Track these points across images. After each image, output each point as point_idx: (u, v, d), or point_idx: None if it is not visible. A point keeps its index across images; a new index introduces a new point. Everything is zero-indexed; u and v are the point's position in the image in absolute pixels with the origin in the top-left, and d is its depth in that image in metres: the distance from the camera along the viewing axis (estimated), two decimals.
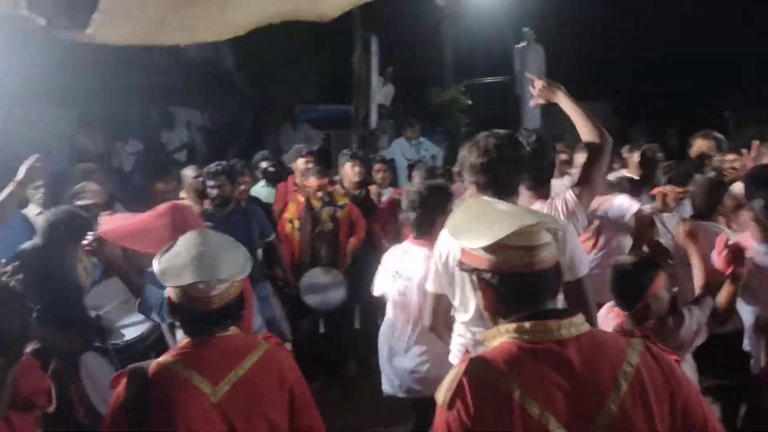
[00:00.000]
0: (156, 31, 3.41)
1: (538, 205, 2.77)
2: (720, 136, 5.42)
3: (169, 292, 2.10)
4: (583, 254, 2.64)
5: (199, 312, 2.06)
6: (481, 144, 2.55)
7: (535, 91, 2.95)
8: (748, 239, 3.01)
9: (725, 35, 13.49)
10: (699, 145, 5.31)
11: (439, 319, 2.90)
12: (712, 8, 13.45)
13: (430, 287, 2.87)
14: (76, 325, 3.52)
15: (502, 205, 1.68)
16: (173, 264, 2.05)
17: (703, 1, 13.49)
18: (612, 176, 5.51)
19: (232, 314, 2.13)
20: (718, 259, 2.79)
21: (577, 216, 2.68)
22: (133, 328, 3.86)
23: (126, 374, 2.05)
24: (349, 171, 5.82)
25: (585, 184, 2.73)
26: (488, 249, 1.52)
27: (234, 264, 2.08)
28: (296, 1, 3.64)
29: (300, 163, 5.88)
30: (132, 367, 2.07)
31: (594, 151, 2.74)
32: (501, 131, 2.64)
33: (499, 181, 2.51)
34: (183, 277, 2.00)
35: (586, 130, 2.76)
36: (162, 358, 2.07)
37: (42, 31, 3.20)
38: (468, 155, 2.58)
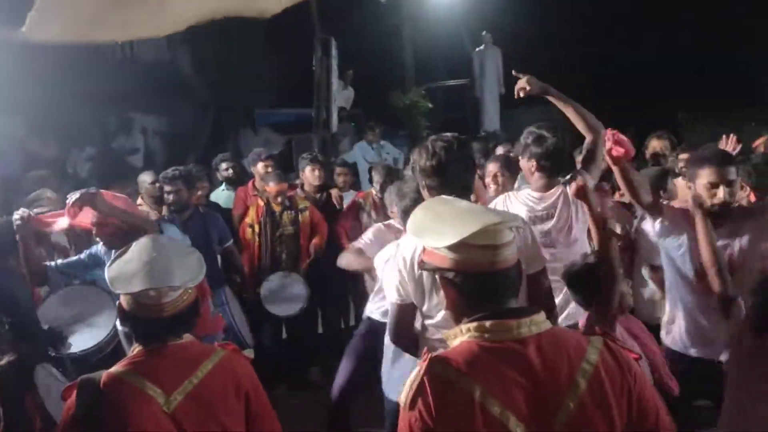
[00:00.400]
0: (90, 28, 3.34)
1: (553, 191, 3.37)
2: (672, 137, 5.57)
3: (121, 300, 2.05)
4: (541, 248, 2.77)
5: (151, 320, 2.02)
6: (429, 147, 2.59)
7: (522, 82, 3.39)
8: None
9: (680, 38, 13.87)
10: (654, 145, 5.47)
11: (402, 331, 2.71)
12: (667, 12, 13.82)
13: (393, 297, 2.68)
14: (28, 336, 3.41)
15: (462, 204, 1.69)
16: (124, 271, 2.01)
17: (657, 5, 13.84)
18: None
19: (186, 322, 2.09)
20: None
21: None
22: (87, 339, 3.78)
23: (77, 385, 1.99)
24: (309, 175, 5.78)
25: (592, 162, 3.35)
26: (451, 248, 1.53)
27: (187, 270, 2.04)
28: None
29: (260, 167, 5.84)
30: (83, 378, 2.01)
31: (596, 133, 3.34)
32: (448, 134, 2.72)
33: (450, 182, 2.54)
34: (134, 284, 1.96)
35: (582, 118, 3.38)
36: (114, 368, 2.02)
37: None
38: (418, 159, 2.61)
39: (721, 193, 2.93)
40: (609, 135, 2.99)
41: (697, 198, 2.96)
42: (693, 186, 3.05)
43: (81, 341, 3.76)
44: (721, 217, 3.00)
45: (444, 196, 2.33)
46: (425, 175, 2.59)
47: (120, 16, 3.25)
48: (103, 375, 1.98)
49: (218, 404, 2.01)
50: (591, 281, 2.70)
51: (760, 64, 12.48)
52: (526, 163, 3.55)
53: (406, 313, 2.67)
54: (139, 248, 2.08)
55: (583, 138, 3.54)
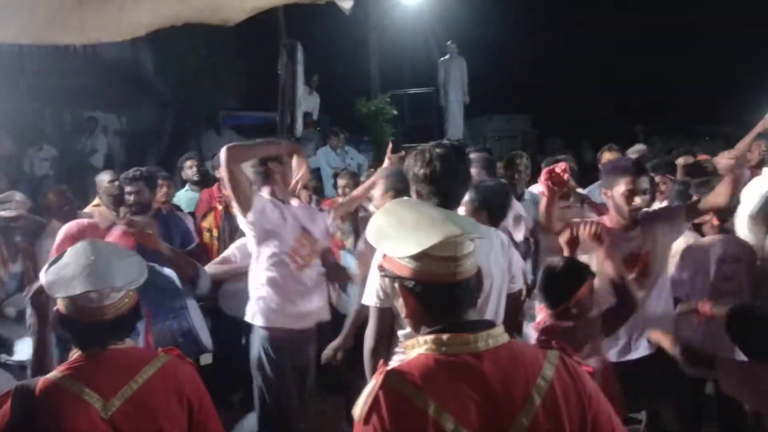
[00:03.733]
0: (49, 29, 3.25)
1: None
2: (621, 150, 5.91)
3: (59, 305, 2.00)
4: (521, 266, 2.77)
5: (91, 324, 1.97)
6: (426, 154, 2.48)
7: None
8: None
9: (638, 54, 14.25)
10: (606, 157, 5.70)
11: (382, 339, 2.52)
12: (626, 28, 14.17)
13: (372, 300, 2.53)
14: None
15: (428, 210, 1.63)
16: (62, 275, 1.95)
17: (618, 21, 14.18)
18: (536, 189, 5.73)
19: (127, 325, 2.05)
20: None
21: None
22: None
23: (11, 392, 1.93)
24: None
25: None
26: (412, 257, 1.50)
27: (128, 272, 2.00)
28: (198, 4, 3.58)
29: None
30: (18, 385, 1.96)
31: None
32: (447, 142, 2.64)
33: (442, 192, 2.45)
34: (73, 287, 1.91)
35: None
36: (51, 374, 1.96)
37: None
38: (413, 164, 2.51)
39: (638, 200, 3.15)
40: (546, 174, 3.06)
41: (593, 232, 3.00)
42: (610, 193, 3.23)
43: (29, 348, 3.67)
44: (633, 222, 3.22)
45: (410, 199, 2.35)
46: (417, 181, 2.49)
47: (78, 20, 3.17)
48: (40, 381, 1.93)
49: (159, 410, 1.96)
50: (570, 283, 2.72)
51: (715, 82, 12.90)
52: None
53: (386, 318, 2.52)
54: (76, 252, 2.02)
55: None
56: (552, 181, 3.02)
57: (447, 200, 2.43)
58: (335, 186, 6.09)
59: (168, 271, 3.30)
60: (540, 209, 3.24)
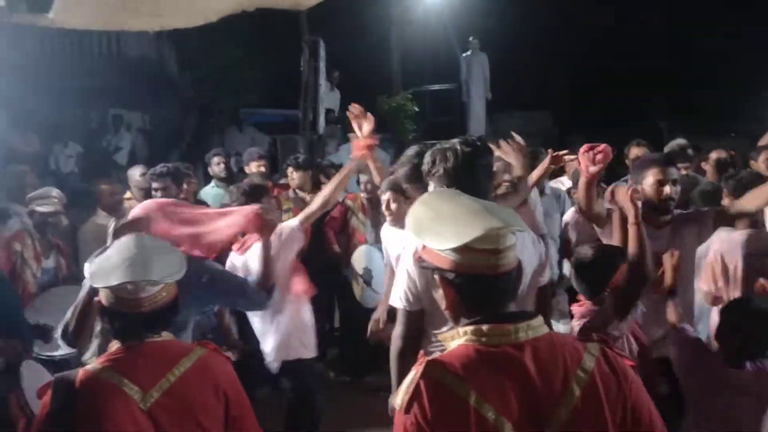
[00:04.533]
0: (119, 15, 3.31)
1: None
2: (649, 145, 5.78)
3: (100, 295, 2.05)
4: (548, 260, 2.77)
5: (129, 315, 2.00)
6: (453, 150, 2.43)
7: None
8: None
9: (662, 48, 14.08)
10: (635, 152, 5.61)
11: (410, 343, 2.47)
12: (650, 24, 14.01)
13: (400, 302, 2.47)
14: (12, 334, 3.37)
15: (465, 201, 1.62)
16: (103, 266, 2.01)
17: (641, 17, 14.02)
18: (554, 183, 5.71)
19: (164, 319, 2.08)
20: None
21: None
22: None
23: (52, 383, 1.97)
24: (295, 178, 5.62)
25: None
26: (453, 249, 1.50)
27: (166, 266, 2.03)
28: None
29: (252, 167, 5.78)
30: (58, 376, 2.00)
31: None
32: (471, 138, 2.60)
33: (471, 187, 2.32)
34: (112, 278, 1.95)
35: None
36: (90, 366, 2.00)
37: (3, 14, 3.06)
38: (441, 160, 2.44)
39: (667, 189, 3.13)
40: (585, 148, 3.03)
41: (633, 196, 2.91)
42: (640, 187, 3.18)
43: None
44: (665, 214, 3.19)
45: (447, 190, 2.30)
46: (446, 176, 2.42)
47: (151, 5, 3.22)
48: (80, 372, 1.96)
49: (196, 403, 1.99)
50: (603, 270, 2.69)
51: (742, 77, 12.69)
52: None
53: (415, 321, 2.47)
54: (120, 245, 2.08)
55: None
56: (594, 158, 2.96)
57: (476, 196, 2.37)
58: (358, 182, 6.08)
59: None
60: (579, 192, 3.21)
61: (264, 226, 2.88)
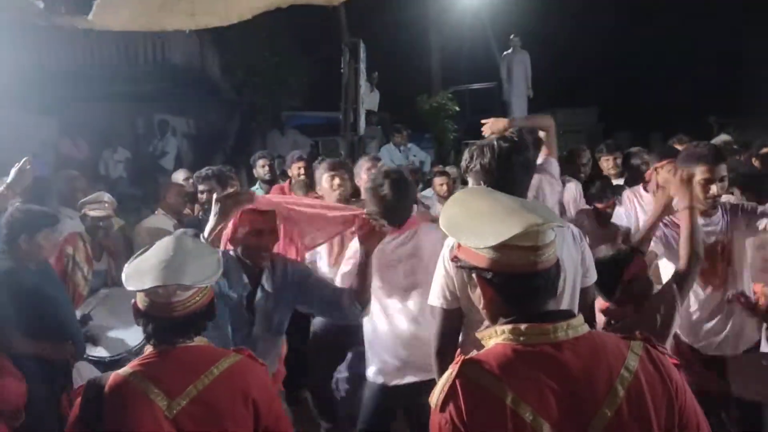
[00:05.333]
0: (156, 16, 3.37)
1: None
2: (686, 139, 5.66)
3: (136, 298, 2.03)
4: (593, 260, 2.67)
5: (161, 319, 1.98)
6: (494, 146, 2.42)
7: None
8: None
9: (712, 42, 13.69)
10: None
11: (449, 339, 2.44)
12: (695, 17, 13.65)
13: (437, 301, 2.44)
14: (67, 334, 3.45)
15: (500, 198, 1.59)
16: (139, 268, 1.98)
17: (686, 10, 13.67)
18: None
19: (197, 324, 2.03)
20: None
21: None
22: (122, 342, 3.80)
23: (84, 386, 1.97)
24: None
25: None
26: (491, 248, 1.47)
27: (201, 271, 1.98)
28: None
29: (294, 169, 5.83)
30: (90, 380, 2.00)
31: None
32: (510, 134, 2.58)
33: (511, 182, 2.37)
34: (145, 281, 1.93)
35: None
36: (123, 369, 1.98)
37: (40, 16, 3.15)
38: (479, 156, 2.43)
39: (714, 188, 3.04)
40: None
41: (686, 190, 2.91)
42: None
43: (115, 344, 3.79)
44: (708, 214, 3.13)
45: (479, 187, 2.28)
46: (483, 172, 2.41)
47: (187, 5, 3.27)
48: (111, 376, 1.95)
49: (224, 412, 1.94)
50: (609, 271, 2.64)
51: None
52: None
53: (453, 320, 2.42)
54: (159, 247, 2.05)
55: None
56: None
57: (516, 192, 2.22)
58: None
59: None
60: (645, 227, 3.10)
61: (370, 234, 2.64)
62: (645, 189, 4.29)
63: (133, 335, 3.76)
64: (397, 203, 3.05)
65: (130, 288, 1.97)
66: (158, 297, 1.96)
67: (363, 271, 2.71)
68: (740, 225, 3.16)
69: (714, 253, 3.11)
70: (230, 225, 2.67)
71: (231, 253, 2.72)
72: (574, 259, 2.55)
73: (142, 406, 1.88)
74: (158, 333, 1.99)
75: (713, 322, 3.14)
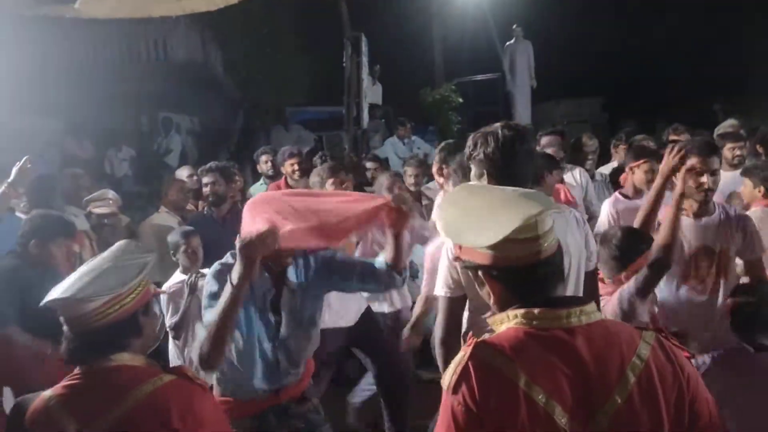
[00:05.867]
0: (142, 2, 3.34)
1: None
2: (683, 128, 5.77)
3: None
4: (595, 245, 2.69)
5: (72, 337, 1.81)
6: (494, 134, 2.39)
7: None
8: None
9: (712, 29, 13.61)
10: (673, 138, 5.58)
11: (453, 328, 2.48)
12: (699, 5, 13.56)
13: (441, 290, 2.48)
14: None
15: (492, 191, 1.59)
16: (69, 279, 1.85)
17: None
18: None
19: (114, 339, 1.83)
20: None
21: None
22: None
23: (12, 409, 1.85)
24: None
25: None
26: (491, 246, 1.47)
27: (107, 281, 1.81)
28: None
29: (287, 166, 5.81)
30: (18, 401, 1.87)
31: None
32: (513, 123, 2.56)
33: (505, 173, 2.35)
34: (51, 293, 1.80)
35: None
36: (49, 391, 1.83)
37: (27, 6, 3.13)
38: (483, 145, 2.40)
39: (705, 179, 3.04)
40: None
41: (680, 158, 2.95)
42: (680, 173, 3.08)
43: None
44: (701, 204, 3.12)
45: (470, 184, 2.28)
46: (487, 161, 2.39)
47: None
48: (36, 400, 1.81)
49: None
50: (627, 250, 2.69)
51: None
52: None
53: (456, 306, 2.47)
54: (103, 255, 1.92)
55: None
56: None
57: (511, 182, 2.24)
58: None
59: None
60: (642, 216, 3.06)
61: (398, 219, 2.47)
62: (621, 194, 4.17)
63: None
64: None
65: (43, 302, 1.82)
66: (63, 311, 1.82)
67: (398, 246, 2.54)
68: (735, 235, 3.16)
69: (702, 260, 3.13)
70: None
71: None
72: (578, 243, 2.56)
73: None
74: (73, 352, 1.82)
75: (703, 328, 3.10)
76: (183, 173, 5.40)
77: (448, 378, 1.47)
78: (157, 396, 1.77)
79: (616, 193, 4.11)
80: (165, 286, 3.73)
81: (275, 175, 6.15)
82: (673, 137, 5.56)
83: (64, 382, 1.83)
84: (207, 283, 2.49)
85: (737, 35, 13.45)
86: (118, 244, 1.96)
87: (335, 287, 2.77)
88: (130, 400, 1.74)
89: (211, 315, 2.31)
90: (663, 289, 3.13)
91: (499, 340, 1.48)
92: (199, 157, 10.75)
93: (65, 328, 1.83)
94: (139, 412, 1.74)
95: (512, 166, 2.37)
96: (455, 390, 1.45)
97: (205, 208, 4.86)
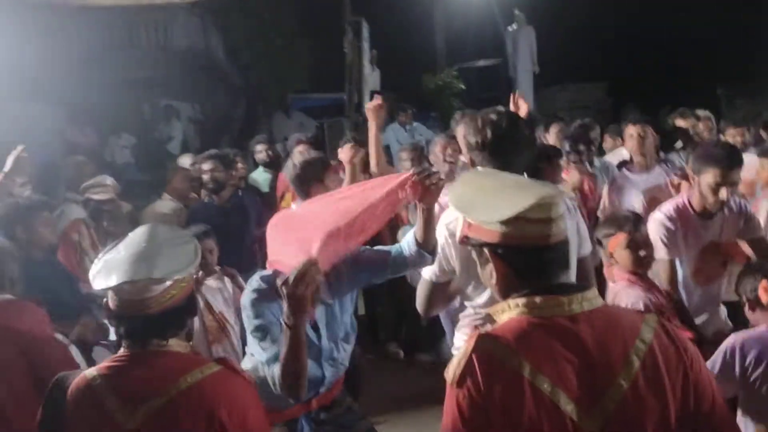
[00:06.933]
0: None
1: None
2: (690, 112, 5.71)
3: (108, 296, 1.85)
4: (587, 231, 2.69)
5: (133, 319, 1.79)
6: (478, 121, 2.39)
7: None
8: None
9: (716, 13, 13.48)
10: (680, 123, 5.63)
11: (433, 309, 2.65)
12: None
13: (428, 274, 2.53)
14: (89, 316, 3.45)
15: (507, 176, 1.61)
16: (107, 263, 1.81)
17: None
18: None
19: (174, 322, 1.84)
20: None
21: None
22: None
23: (52, 385, 1.83)
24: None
25: None
26: (504, 222, 1.46)
27: (174, 262, 1.79)
28: None
29: (295, 153, 5.81)
30: (58, 377, 1.85)
31: None
32: (501, 108, 2.54)
33: (497, 159, 2.34)
34: (111, 277, 1.76)
35: None
36: (92, 369, 1.83)
37: None
38: (466, 131, 2.42)
39: (724, 192, 2.98)
40: None
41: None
42: (697, 179, 3.07)
43: None
44: (711, 216, 3.11)
45: (485, 169, 2.29)
46: (471, 148, 2.41)
47: None
48: (78, 378, 1.81)
49: (183, 430, 1.74)
50: (603, 232, 2.77)
51: None
52: None
53: (438, 292, 2.54)
54: (131, 238, 1.88)
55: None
56: None
57: (503, 168, 2.20)
58: None
59: None
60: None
61: (426, 192, 2.31)
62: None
63: None
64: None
65: (96, 287, 1.79)
66: (128, 294, 1.78)
67: (427, 222, 2.41)
68: (739, 228, 3.17)
69: (713, 252, 3.14)
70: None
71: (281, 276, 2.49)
72: (571, 231, 2.57)
73: (97, 415, 1.75)
74: (130, 334, 1.82)
75: (704, 316, 3.14)
76: (186, 161, 5.40)
77: (452, 372, 1.47)
78: (205, 385, 1.77)
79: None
80: None
81: (271, 163, 6.16)
82: (679, 122, 5.52)
83: (109, 363, 1.82)
84: (246, 316, 2.37)
85: (742, 20, 13.33)
86: (148, 227, 1.92)
87: (366, 282, 2.74)
88: (179, 386, 1.74)
89: (269, 353, 2.22)
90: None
91: (502, 332, 1.48)
92: (201, 145, 10.73)
93: (116, 311, 1.80)
94: (188, 398, 1.74)
95: (497, 151, 2.35)
96: (460, 383, 1.45)
97: (206, 197, 4.87)
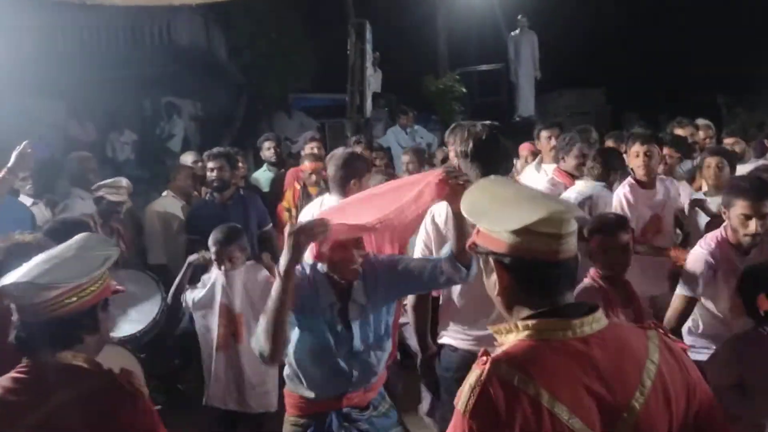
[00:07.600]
0: None
1: None
2: (687, 121, 5.77)
3: None
4: None
5: (25, 325, 1.74)
6: (464, 132, 2.64)
7: None
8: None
9: (717, 20, 13.53)
10: (678, 132, 5.66)
11: (423, 297, 2.90)
12: None
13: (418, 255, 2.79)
14: None
15: (522, 188, 1.63)
16: (25, 266, 1.78)
17: None
18: None
19: (68, 332, 1.76)
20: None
21: None
22: (132, 325, 3.83)
23: None
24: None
25: None
26: (513, 232, 1.43)
27: (69, 270, 1.74)
28: None
29: (307, 149, 5.84)
30: None
31: None
32: (487, 121, 2.75)
33: (482, 169, 2.58)
34: (7, 278, 1.74)
35: None
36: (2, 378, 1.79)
37: None
38: (454, 140, 2.68)
39: (752, 225, 2.94)
40: None
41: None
42: (727, 212, 3.05)
43: (126, 326, 3.80)
44: (746, 253, 3.05)
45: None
46: (459, 156, 2.67)
47: None
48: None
49: None
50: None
51: None
52: None
53: (422, 304, 2.80)
54: (60, 246, 1.86)
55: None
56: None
57: (483, 175, 2.52)
58: None
59: None
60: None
61: (453, 192, 2.26)
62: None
63: (142, 317, 3.83)
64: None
65: None
66: (14, 299, 1.74)
67: (459, 231, 2.36)
68: None
69: None
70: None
71: (319, 267, 2.52)
72: None
73: None
74: (22, 341, 1.75)
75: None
76: (188, 159, 5.41)
77: (464, 400, 1.39)
78: (84, 400, 1.71)
79: (630, 179, 4.15)
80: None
81: (278, 161, 6.16)
82: (677, 131, 5.55)
83: (9, 374, 1.77)
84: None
85: (743, 28, 13.38)
86: (81, 236, 1.90)
87: (402, 293, 2.80)
88: (55, 401, 1.68)
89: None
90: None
91: (514, 356, 1.42)
92: (201, 142, 10.74)
93: (15, 316, 1.75)
94: (63, 412, 1.68)
95: (482, 161, 2.61)
96: (474, 414, 1.37)
97: (208, 195, 4.87)
